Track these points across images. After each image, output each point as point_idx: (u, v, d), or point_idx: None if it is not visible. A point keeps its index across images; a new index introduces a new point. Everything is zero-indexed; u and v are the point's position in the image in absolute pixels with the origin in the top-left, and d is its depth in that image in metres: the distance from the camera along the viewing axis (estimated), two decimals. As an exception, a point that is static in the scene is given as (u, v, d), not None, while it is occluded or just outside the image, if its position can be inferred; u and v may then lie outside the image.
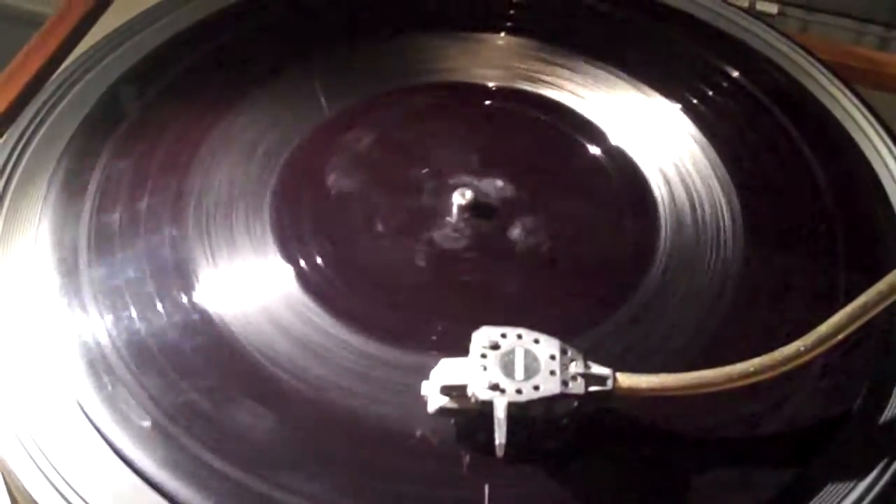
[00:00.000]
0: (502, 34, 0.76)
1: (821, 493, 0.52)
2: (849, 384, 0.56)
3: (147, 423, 0.52)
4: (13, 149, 0.65)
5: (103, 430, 0.52)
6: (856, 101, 0.72)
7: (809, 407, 0.55)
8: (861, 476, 0.52)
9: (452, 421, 0.52)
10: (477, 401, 0.49)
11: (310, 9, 0.77)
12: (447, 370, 0.51)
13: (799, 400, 0.55)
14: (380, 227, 0.63)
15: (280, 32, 0.76)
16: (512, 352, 0.50)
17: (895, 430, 0.55)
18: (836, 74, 0.74)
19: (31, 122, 0.67)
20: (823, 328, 0.51)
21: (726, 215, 0.64)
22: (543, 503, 0.51)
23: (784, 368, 0.50)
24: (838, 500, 0.52)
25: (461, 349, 0.51)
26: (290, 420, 0.53)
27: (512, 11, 0.78)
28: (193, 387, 0.54)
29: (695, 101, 0.72)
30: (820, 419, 0.55)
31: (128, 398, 0.54)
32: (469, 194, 0.63)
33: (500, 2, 0.79)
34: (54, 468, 0.51)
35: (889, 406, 0.56)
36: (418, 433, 0.52)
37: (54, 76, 0.72)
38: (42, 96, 0.69)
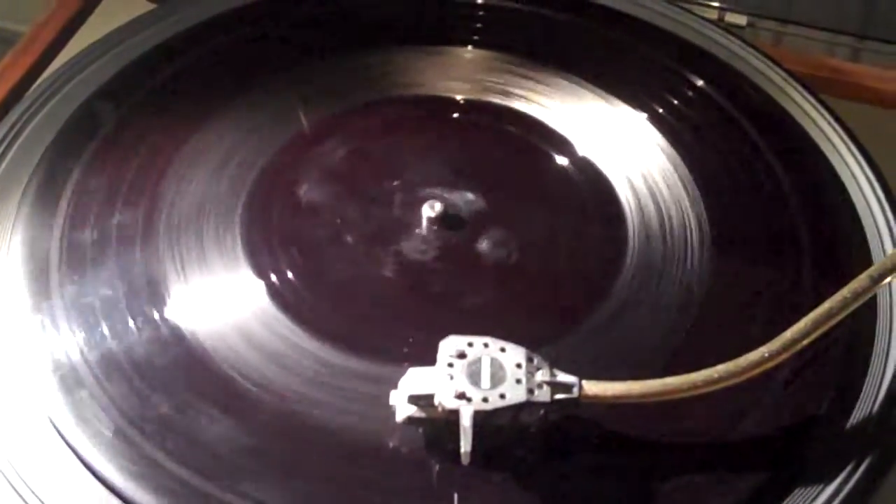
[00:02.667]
0: (469, 47, 0.77)
1: (789, 499, 0.52)
2: (816, 389, 0.57)
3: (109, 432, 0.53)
4: (-13, 165, 0.66)
5: (74, 445, 0.53)
6: (824, 111, 0.73)
7: (777, 412, 0.55)
8: (830, 479, 0.53)
9: (420, 430, 0.52)
10: (444, 409, 0.49)
11: (283, 24, 0.78)
12: (415, 379, 0.51)
13: (767, 405, 0.56)
14: (350, 240, 0.63)
15: (253, 47, 0.76)
16: (478, 361, 0.51)
17: (863, 433, 0.55)
18: (804, 85, 0.75)
19: (5, 136, 0.67)
20: (788, 334, 0.51)
21: (693, 224, 0.65)
22: (514, 511, 0.51)
23: (749, 374, 0.50)
24: (807, 502, 0.52)
25: (431, 359, 0.51)
26: (261, 433, 0.53)
27: (479, 25, 0.78)
28: (165, 401, 0.54)
29: (663, 112, 0.72)
30: (788, 424, 0.55)
31: (99, 413, 0.54)
32: (438, 206, 0.63)
33: (467, 15, 0.79)
34: (25, 483, 0.51)
35: (856, 409, 0.56)
36: (387, 443, 0.53)
37: (29, 91, 0.72)
38: (17, 111, 0.69)
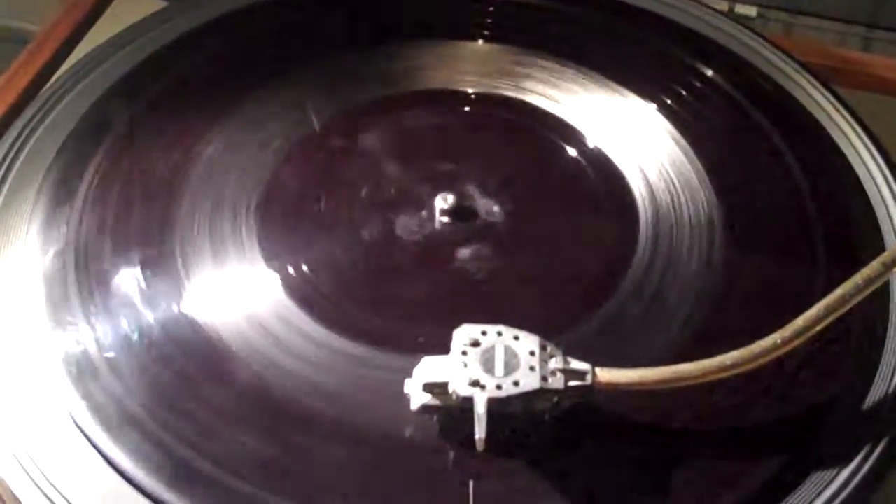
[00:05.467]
0: (480, 41, 0.77)
1: (804, 483, 0.53)
2: (830, 374, 0.57)
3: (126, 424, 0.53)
4: (1, 163, 0.66)
5: (94, 438, 0.53)
6: (834, 100, 0.73)
7: (791, 398, 0.56)
8: (846, 462, 0.53)
9: (435, 418, 0.53)
10: (458, 397, 0.50)
11: (293, 22, 0.78)
12: (429, 368, 0.51)
13: (781, 391, 0.56)
14: (364, 233, 0.64)
15: (264, 46, 0.77)
16: (492, 349, 0.51)
17: (877, 417, 0.55)
18: (814, 75, 0.75)
19: (19, 135, 0.68)
20: (800, 321, 0.51)
21: (706, 215, 0.65)
22: (528, 498, 0.52)
23: (761, 361, 0.51)
24: (822, 487, 0.52)
25: (446, 348, 0.52)
26: (276, 423, 0.54)
27: (490, 18, 0.79)
28: (183, 395, 0.55)
29: (674, 103, 0.72)
30: (802, 409, 0.56)
31: (117, 406, 0.54)
32: (451, 198, 0.64)
33: (477, 9, 0.79)
34: (46, 478, 0.52)
35: (870, 394, 0.56)
36: (402, 431, 0.53)
37: (43, 90, 0.73)
38: (31, 109, 0.70)
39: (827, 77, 0.76)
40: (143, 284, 0.60)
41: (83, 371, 0.56)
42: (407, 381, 0.52)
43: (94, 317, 0.58)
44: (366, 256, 0.63)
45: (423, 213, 0.64)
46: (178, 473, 0.52)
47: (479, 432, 0.49)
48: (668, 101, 0.72)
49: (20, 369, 0.56)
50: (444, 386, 0.51)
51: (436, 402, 0.51)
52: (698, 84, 0.74)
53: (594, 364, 0.51)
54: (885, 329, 0.59)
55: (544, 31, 0.77)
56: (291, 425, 0.54)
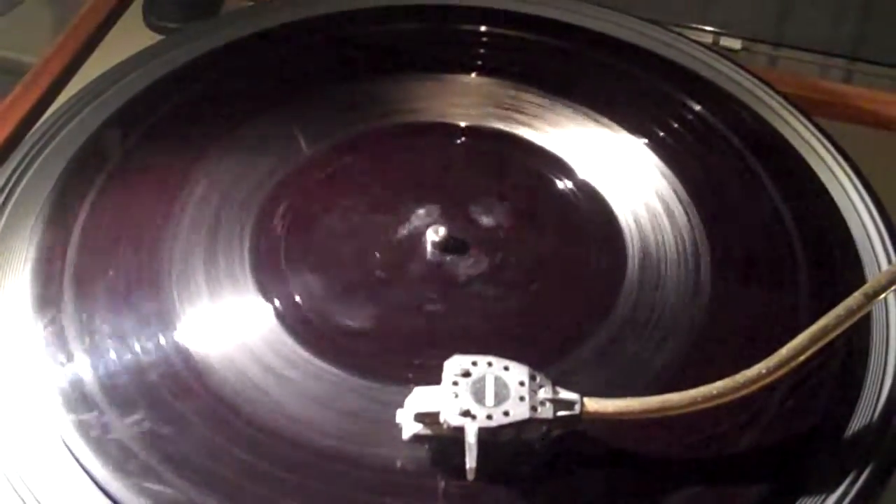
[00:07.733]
0: (473, 74, 0.78)
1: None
2: (815, 402, 0.58)
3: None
4: (-3, 197, 0.67)
5: (87, 466, 0.53)
6: (817, 133, 0.74)
7: (777, 426, 0.56)
8: (832, 488, 0.54)
9: (426, 447, 0.53)
10: (449, 427, 0.51)
11: (287, 53, 0.79)
12: (421, 398, 0.52)
13: (767, 420, 0.56)
14: (356, 264, 0.64)
15: (258, 76, 0.78)
16: (482, 379, 0.52)
17: (861, 444, 0.56)
18: (797, 107, 0.76)
19: (17, 166, 0.68)
20: (785, 351, 0.52)
21: (692, 247, 0.65)
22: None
23: (747, 390, 0.51)
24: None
25: (437, 378, 0.52)
26: (269, 454, 0.54)
27: (482, 52, 0.80)
28: (175, 424, 0.55)
29: (660, 136, 0.73)
30: (788, 437, 0.56)
31: (112, 436, 0.55)
32: (442, 231, 0.64)
33: (470, 42, 0.81)
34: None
35: (854, 421, 0.57)
36: (394, 460, 0.54)
37: (39, 123, 0.73)
38: (26, 144, 0.70)
39: (809, 108, 0.77)
40: (137, 314, 0.60)
41: (77, 399, 0.56)
42: (399, 411, 0.53)
43: (89, 345, 0.59)
44: (357, 288, 0.63)
45: (415, 244, 0.65)
46: (167, 501, 0.52)
47: (470, 462, 0.49)
48: (655, 135, 0.73)
49: (14, 396, 0.57)
50: (435, 416, 0.51)
51: (427, 431, 0.52)
52: (684, 117, 0.75)
53: (583, 394, 0.52)
54: (868, 356, 0.60)
55: (534, 64, 0.78)
56: (283, 455, 0.54)
